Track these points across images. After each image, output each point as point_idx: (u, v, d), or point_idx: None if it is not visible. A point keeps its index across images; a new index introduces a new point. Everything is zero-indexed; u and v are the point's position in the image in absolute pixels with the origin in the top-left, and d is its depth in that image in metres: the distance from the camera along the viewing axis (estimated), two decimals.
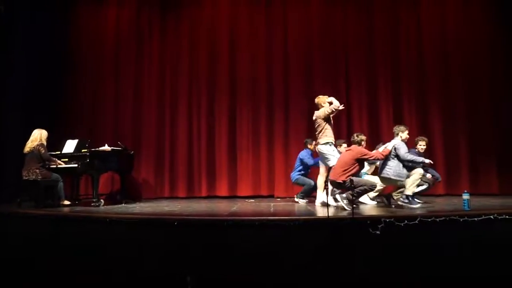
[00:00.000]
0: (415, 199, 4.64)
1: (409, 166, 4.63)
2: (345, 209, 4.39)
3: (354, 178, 4.40)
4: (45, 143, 5.38)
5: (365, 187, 4.44)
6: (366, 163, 5.29)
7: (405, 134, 4.78)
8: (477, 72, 6.76)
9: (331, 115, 5.18)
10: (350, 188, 4.32)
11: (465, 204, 4.00)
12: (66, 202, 5.45)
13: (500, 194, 6.24)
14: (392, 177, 4.60)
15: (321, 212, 4.33)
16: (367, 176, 5.30)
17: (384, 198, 4.82)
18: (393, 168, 4.60)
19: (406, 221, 3.54)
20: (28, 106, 6.72)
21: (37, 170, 5.18)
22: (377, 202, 5.17)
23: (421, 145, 5.13)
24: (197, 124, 7.39)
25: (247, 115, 7.23)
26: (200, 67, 7.44)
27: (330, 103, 5.16)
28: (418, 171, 4.59)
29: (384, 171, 4.66)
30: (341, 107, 5.19)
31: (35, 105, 6.79)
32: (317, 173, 5.51)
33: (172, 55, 7.51)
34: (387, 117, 6.93)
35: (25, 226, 4.39)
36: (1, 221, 4.54)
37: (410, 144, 5.06)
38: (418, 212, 4.02)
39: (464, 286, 3.44)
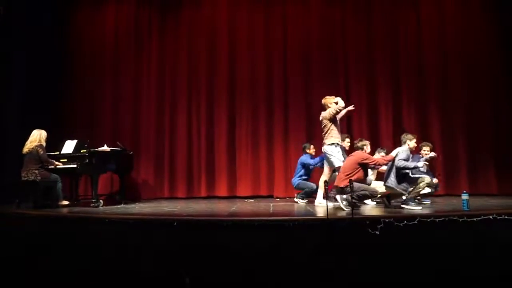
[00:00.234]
0: (415, 201, 4.64)
1: (404, 173, 4.56)
2: (343, 210, 4.39)
3: (356, 183, 4.40)
4: (44, 144, 5.38)
5: (366, 192, 4.45)
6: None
7: (412, 143, 4.72)
8: (476, 72, 6.77)
9: (336, 116, 5.17)
10: (350, 192, 4.31)
11: (464, 204, 4.00)
12: (65, 203, 5.44)
13: (499, 194, 6.25)
14: (396, 188, 4.57)
15: (320, 212, 4.33)
16: (374, 182, 5.23)
17: (385, 198, 4.81)
18: (394, 177, 4.57)
19: (405, 221, 3.55)
20: (27, 106, 6.72)
21: (36, 171, 5.18)
22: (377, 203, 5.17)
23: (425, 151, 5.07)
24: (197, 124, 7.38)
25: (246, 115, 7.24)
26: (200, 67, 7.44)
27: (337, 104, 5.17)
28: (425, 181, 4.56)
29: (388, 180, 4.63)
30: (350, 108, 5.27)
31: (35, 105, 6.78)
32: (319, 176, 5.54)
33: (172, 55, 7.51)
34: (386, 117, 6.94)
35: (24, 227, 4.38)
36: (0, 222, 4.53)
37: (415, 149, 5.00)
38: (417, 212, 4.02)
39: (464, 286, 3.44)
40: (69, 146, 5.85)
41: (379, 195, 4.76)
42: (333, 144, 5.09)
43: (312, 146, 5.99)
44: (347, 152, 5.57)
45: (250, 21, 7.37)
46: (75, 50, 7.59)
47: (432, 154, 4.76)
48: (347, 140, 5.75)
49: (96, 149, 5.69)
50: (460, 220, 3.57)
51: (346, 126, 6.92)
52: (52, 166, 5.41)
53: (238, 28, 7.39)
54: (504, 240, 3.55)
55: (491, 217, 3.57)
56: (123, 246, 3.82)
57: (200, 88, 7.41)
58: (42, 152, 5.27)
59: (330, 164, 5.12)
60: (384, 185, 4.73)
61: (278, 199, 6.61)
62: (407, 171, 4.53)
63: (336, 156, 5.03)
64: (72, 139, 5.98)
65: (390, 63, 7.05)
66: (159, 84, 7.50)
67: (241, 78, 7.31)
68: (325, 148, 5.16)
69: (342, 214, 4.20)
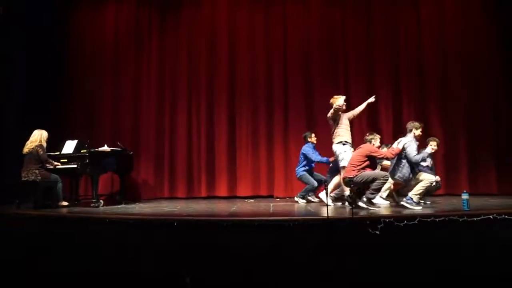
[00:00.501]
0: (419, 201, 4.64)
1: (414, 167, 4.60)
2: (369, 209, 4.38)
3: (363, 172, 4.44)
4: (44, 144, 5.38)
5: (379, 181, 4.43)
6: None
7: (418, 131, 4.74)
8: (477, 72, 6.77)
9: (337, 115, 5.15)
10: (363, 183, 4.39)
11: (465, 204, 4.00)
12: (65, 203, 5.44)
13: (499, 194, 6.25)
14: (398, 179, 4.60)
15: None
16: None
17: (394, 194, 4.81)
18: (402, 169, 4.59)
19: (405, 221, 3.55)
20: (27, 106, 6.72)
21: (37, 171, 5.18)
22: (390, 202, 5.16)
23: (432, 146, 5.02)
24: (197, 124, 7.39)
25: (246, 115, 7.24)
26: (200, 67, 7.44)
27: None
28: (429, 179, 4.58)
29: (395, 173, 4.64)
30: (371, 100, 5.31)
31: (34, 105, 6.78)
32: (321, 169, 5.64)
33: (172, 55, 7.51)
34: (386, 116, 6.95)
35: (24, 227, 4.38)
36: (0, 222, 4.53)
37: (421, 144, 5.01)
38: (418, 212, 4.02)
39: (464, 286, 3.44)
40: (69, 146, 5.85)
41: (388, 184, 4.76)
42: (340, 142, 5.08)
43: (313, 135, 5.93)
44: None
45: (250, 21, 7.37)
46: (75, 50, 7.60)
47: (428, 163, 4.77)
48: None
49: (97, 149, 5.69)
50: (460, 220, 3.57)
51: None
52: (52, 167, 5.41)
53: (238, 28, 7.40)
54: (504, 240, 3.55)
55: (491, 217, 3.56)
56: (123, 246, 3.82)
57: (200, 88, 7.42)
58: (42, 153, 5.28)
59: (339, 163, 5.11)
60: (393, 178, 4.73)
61: (278, 199, 6.61)
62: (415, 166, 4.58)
63: (343, 155, 5.01)
64: (72, 139, 5.99)
65: (390, 63, 7.05)
66: (159, 84, 7.50)
67: (241, 78, 7.31)
68: (333, 148, 5.17)
69: (342, 214, 4.20)
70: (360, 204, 4.51)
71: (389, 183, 4.85)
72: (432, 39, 6.95)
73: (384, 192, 5.09)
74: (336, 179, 5.34)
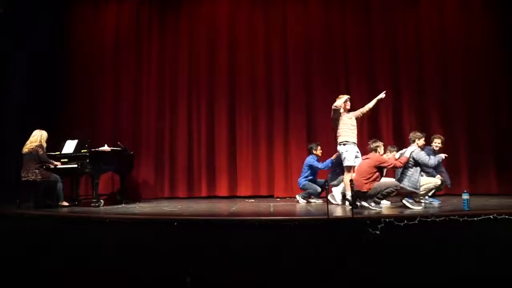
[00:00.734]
0: (424, 200, 4.66)
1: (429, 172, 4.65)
2: (375, 210, 4.40)
3: (377, 183, 4.49)
4: (44, 144, 5.37)
5: (391, 188, 4.47)
6: None
7: (421, 141, 4.78)
8: (476, 72, 6.75)
9: (338, 114, 5.15)
10: (377, 194, 4.44)
11: (465, 204, 4.00)
12: (65, 203, 5.44)
13: (500, 194, 6.25)
14: (408, 188, 4.59)
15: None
16: (383, 178, 5.20)
17: (403, 200, 4.77)
18: (410, 177, 4.59)
19: (405, 221, 3.54)
20: (28, 106, 6.72)
21: (37, 171, 5.18)
22: (391, 202, 5.17)
23: (436, 143, 5.03)
24: (197, 124, 7.39)
25: (246, 114, 7.24)
26: (200, 66, 7.45)
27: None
28: (435, 182, 4.64)
29: (401, 181, 4.64)
30: (380, 96, 5.25)
31: (35, 106, 6.79)
32: (324, 175, 5.67)
33: (172, 54, 7.52)
34: (386, 117, 6.93)
35: (25, 227, 4.38)
36: (1, 222, 4.53)
37: (425, 141, 5.01)
38: (418, 212, 4.02)
39: (464, 286, 3.44)
40: (69, 146, 5.85)
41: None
42: (341, 143, 5.10)
43: (319, 147, 5.93)
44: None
45: (250, 20, 7.37)
46: (76, 50, 7.61)
47: (443, 156, 4.79)
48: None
49: (97, 149, 5.69)
50: (461, 219, 3.57)
51: None
52: (52, 166, 5.41)
53: (238, 28, 7.40)
54: (505, 239, 3.55)
55: (491, 216, 3.56)
56: (123, 246, 3.81)
57: (200, 88, 7.42)
58: (41, 153, 5.27)
59: (343, 163, 5.11)
60: (401, 185, 4.71)
61: (279, 199, 6.61)
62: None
63: (345, 155, 5.02)
64: (73, 139, 5.99)
65: (390, 63, 7.04)
66: (159, 84, 7.51)
67: (241, 78, 7.31)
68: (338, 148, 5.20)
69: (342, 214, 4.20)
70: (365, 204, 4.54)
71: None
72: (432, 39, 6.94)
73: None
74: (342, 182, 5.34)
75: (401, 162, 4.62)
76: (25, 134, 5.49)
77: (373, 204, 4.50)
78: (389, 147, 5.43)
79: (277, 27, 7.29)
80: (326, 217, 3.58)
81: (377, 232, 3.49)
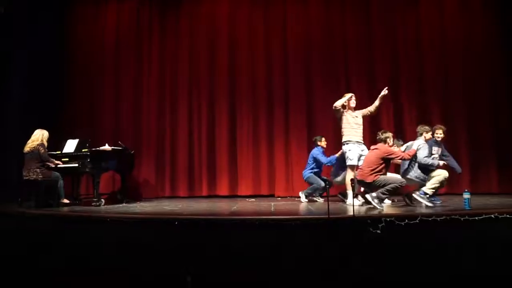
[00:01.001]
0: (432, 199, 4.63)
1: (425, 168, 4.62)
2: (377, 208, 4.39)
3: (382, 176, 4.46)
4: (46, 143, 5.38)
5: (395, 184, 4.43)
6: None
7: (429, 135, 4.77)
8: (477, 71, 6.75)
9: (340, 114, 5.16)
10: (380, 187, 4.42)
11: (466, 203, 4.00)
12: (66, 201, 5.45)
13: (500, 193, 6.24)
14: (415, 179, 4.60)
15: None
16: (388, 173, 5.18)
17: (406, 197, 4.76)
18: (417, 170, 4.60)
19: (406, 220, 3.54)
20: (28, 106, 6.73)
21: (38, 170, 5.19)
22: (393, 201, 5.16)
23: (438, 134, 4.99)
24: (197, 123, 7.39)
25: (247, 114, 7.24)
26: (200, 66, 7.45)
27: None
28: (444, 174, 4.60)
29: (408, 172, 4.64)
30: (383, 93, 5.16)
31: (36, 105, 6.80)
32: (329, 172, 5.66)
33: (172, 54, 7.52)
34: (387, 116, 6.93)
35: (26, 226, 4.39)
36: (2, 221, 4.54)
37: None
38: (418, 211, 4.02)
39: (465, 286, 3.44)
40: (70, 146, 5.86)
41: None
42: (344, 142, 5.12)
43: (323, 139, 5.93)
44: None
45: (251, 20, 7.37)
46: (76, 49, 7.62)
47: (442, 163, 4.77)
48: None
49: (98, 148, 5.70)
50: (462, 219, 3.56)
51: None
52: (53, 165, 5.42)
53: (239, 28, 7.40)
54: (506, 239, 3.54)
55: (492, 216, 3.56)
56: (124, 245, 3.82)
57: (200, 87, 7.42)
58: (43, 151, 5.28)
59: (346, 161, 5.12)
60: (402, 176, 4.74)
61: (279, 198, 6.61)
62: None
63: (348, 154, 5.04)
64: (74, 138, 6.00)
65: (390, 63, 7.03)
66: (159, 83, 7.52)
67: (241, 77, 7.31)
68: (342, 147, 5.22)
69: (344, 213, 4.19)
70: (368, 198, 4.54)
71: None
72: (432, 39, 6.93)
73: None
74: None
75: (409, 154, 4.61)
76: (25, 134, 5.50)
77: (376, 200, 4.47)
78: (395, 141, 5.39)
79: (277, 27, 7.28)
80: (327, 216, 3.58)
81: (378, 231, 3.49)
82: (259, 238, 3.59)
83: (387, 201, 5.08)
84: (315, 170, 5.82)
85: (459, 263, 3.47)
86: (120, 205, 5.63)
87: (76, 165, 5.50)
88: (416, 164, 4.64)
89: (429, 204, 4.49)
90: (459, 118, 6.71)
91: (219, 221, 3.74)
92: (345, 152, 5.10)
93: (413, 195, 4.60)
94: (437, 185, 4.60)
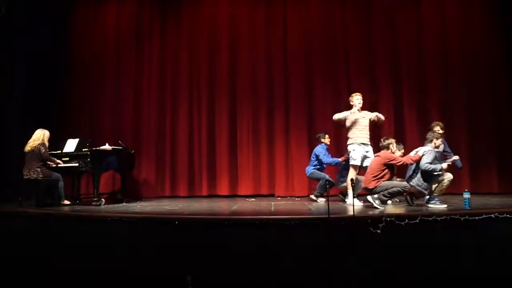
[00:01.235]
0: (433, 200, 4.62)
1: (429, 175, 4.57)
2: (377, 209, 4.39)
3: (385, 182, 4.48)
4: (47, 143, 5.41)
5: (397, 188, 4.45)
6: None
7: (438, 141, 4.73)
8: (477, 71, 6.75)
9: (345, 119, 5.17)
10: (381, 191, 4.44)
11: (466, 203, 4.00)
12: (66, 202, 5.46)
13: (500, 193, 6.24)
14: (416, 187, 4.55)
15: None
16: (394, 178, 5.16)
17: (408, 197, 4.71)
18: (419, 177, 4.54)
19: (407, 220, 3.54)
20: (29, 106, 6.73)
21: (38, 169, 5.19)
22: (396, 202, 5.15)
23: (436, 130, 4.97)
24: (198, 123, 7.39)
25: (247, 114, 7.24)
26: (200, 66, 7.45)
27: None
28: (448, 177, 4.60)
29: (411, 179, 4.61)
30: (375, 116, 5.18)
31: (36, 105, 6.80)
32: (333, 171, 5.67)
33: (172, 54, 7.53)
34: (388, 116, 6.91)
35: (26, 226, 4.39)
36: (2, 220, 4.54)
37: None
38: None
39: (465, 286, 3.44)
40: (71, 145, 5.86)
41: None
42: (349, 144, 5.14)
43: (327, 136, 5.94)
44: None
45: (251, 20, 7.37)
46: (76, 50, 7.63)
47: (445, 166, 4.76)
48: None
49: (98, 148, 5.70)
50: (462, 219, 3.56)
51: None
52: (54, 164, 5.42)
53: (239, 28, 7.40)
54: (506, 239, 3.54)
55: (493, 216, 3.56)
56: (124, 245, 3.82)
57: (201, 87, 7.42)
58: (44, 151, 5.29)
59: (350, 161, 5.14)
60: (406, 181, 4.71)
61: (279, 198, 6.61)
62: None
63: (352, 154, 5.06)
64: (74, 138, 6.00)
65: (390, 63, 7.03)
66: (160, 83, 7.52)
67: (241, 77, 7.31)
68: (348, 148, 5.23)
69: (344, 213, 4.19)
70: (369, 199, 4.55)
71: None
72: (433, 39, 6.93)
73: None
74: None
75: (411, 160, 4.58)
76: (25, 134, 5.51)
77: (377, 201, 4.48)
78: (396, 146, 5.39)
79: (278, 27, 7.28)
80: (327, 216, 3.58)
81: (378, 231, 3.49)
82: (259, 238, 3.59)
83: (389, 202, 5.07)
84: (318, 167, 5.82)
85: (459, 263, 3.47)
86: (120, 205, 5.63)
87: (77, 164, 5.50)
88: (419, 171, 4.56)
89: (442, 206, 4.38)
90: (459, 118, 6.71)
91: (219, 221, 3.74)
92: (349, 152, 5.11)
93: (426, 204, 4.49)
94: (443, 188, 4.68)
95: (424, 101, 6.88)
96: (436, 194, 4.68)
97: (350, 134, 5.17)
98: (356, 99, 5.23)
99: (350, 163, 5.09)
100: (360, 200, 4.98)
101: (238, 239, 3.61)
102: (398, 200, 5.25)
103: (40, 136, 5.37)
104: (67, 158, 5.65)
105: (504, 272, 3.45)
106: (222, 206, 5.41)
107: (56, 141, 5.87)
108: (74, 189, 6.15)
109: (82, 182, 6.56)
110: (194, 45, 7.48)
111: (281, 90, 7.19)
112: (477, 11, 6.88)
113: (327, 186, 4.30)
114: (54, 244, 4.05)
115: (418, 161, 4.55)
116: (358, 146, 5.07)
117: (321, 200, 5.68)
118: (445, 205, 4.43)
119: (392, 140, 4.82)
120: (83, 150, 5.61)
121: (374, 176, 4.57)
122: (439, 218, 3.57)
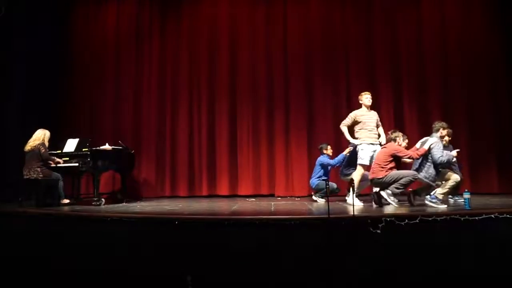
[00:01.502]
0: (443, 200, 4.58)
1: (444, 165, 4.53)
2: (394, 206, 4.40)
3: (393, 171, 4.47)
4: (47, 143, 5.41)
5: (408, 178, 4.42)
6: None
7: (445, 131, 4.72)
8: (477, 71, 6.75)
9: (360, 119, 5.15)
10: (393, 183, 4.42)
11: (466, 203, 4.00)
12: (66, 201, 5.46)
13: (500, 193, 6.24)
14: (424, 179, 4.53)
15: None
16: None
17: (410, 196, 4.67)
18: (428, 169, 4.51)
19: (407, 220, 3.54)
20: (29, 105, 6.73)
21: (39, 169, 5.20)
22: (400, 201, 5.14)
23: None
24: (198, 123, 7.39)
25: (247, 114, 7.24)
26: (201, 66, 7.45)
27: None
28: (455, 178, 4.52)
29: (418, 172, 4.57)
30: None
31: (36, 105, 6.80)
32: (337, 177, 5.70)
33: (173, 54, 7.53)
34: (388, 116, 6.91)
35: (26, 225, 4.39)
36: (2, 220, 4.54)
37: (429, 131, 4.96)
38: (420, 211, 4.01)
39: (465, 286, 3.44)
40: (71, 145, 5.87)
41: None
42: (358, 143, 5.11)
43: (329, 147, 5.91)
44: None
45: (251, 20, 7.37)
46: (76, 50, 7.63)
47: (454, 153, 4.74)
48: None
49: (98, 148, 5.70)
50: (462, 219, 3.56)
51: None
52: (54, 164, 5.42)
53: (239, 28, 7.40)
54: (506, 239, 3.54)
55: (493, 216, 3.55)
56: (124, 245, 3.82)
57: (201, 87, 7.42)
58: (44, 151, 5.29)
59: (357, 160, 5.12)
60: (418, 176, 4.64)
61: (279, 198, 6.61)
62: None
63: (360, 154, 5.06)
64: (74, 137, 6.00)
65: (390, 63, 7.03)
66: (160, 83, 7.52)
67: (241, 77, 7.31)
68: (349, 145, 5.29)
69: (344, 213, 4.19)
70: (384, 195, 4.54)
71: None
72: (433, 39, 6.93)
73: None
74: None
75: (418, 154, 4.55)
76: (25, 134, 5.51)
77: (392, 197, 4.48)
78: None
79: (278, 27, 7.28)
80: (327, 216, 3.58)
81: (378, 231, 3.49)
82: (259, 238, 3.58)
83: (394, 201, 5.05)
84: (323, 178, 5.72)
85: (459, 263, 3.47)
86: (120, 205, 5.63)
87: (77, 164, 5.51)
88: (428, 164, 4.51)
89: (443, 206, 4.36)
90: (459, 118, 6.70)
91: (219, 221, 3.74)
92: (357, 151, 5.10)
93: (425, 201, 4.48)
94: (449, 189, 4.53)
95: (424, 101, 6.89)
96: (443, 196, 4.54)
97: (358, 134, 5.13)
98: (366, 98, 5.21)
99: (358, 162, 5.06)
100: (360, 200, 4.98)
101: (238, 239, 3.61)
102: (399, 200, 5.22)
103: (41, 136, 5.38)
104: (67, 158, 5.66)
105: (504, 272, 3.44)
106: (222, 206, 5.41)
107: (56, 141, 5.87)
108: (74, 189, 6.15)
109: (82, 182, 6.57)
110: (194, 45, 7.49)
111: (281, 90, 7.19)
112: (477, 11, 6.88)
113: (327, 186, 4.28)
114: (54, 244, 4.05)
115: (424, 155, 4.52)
116: (367, 146, 5.05)
117: (321, 200, 5.68)
118: (445, 205, 4.42)
119: (400, 133, 4.85)
120: (83, 150, 5.62)
121: (381, 166, 4.55)
122: (439, 218, 3.56)
